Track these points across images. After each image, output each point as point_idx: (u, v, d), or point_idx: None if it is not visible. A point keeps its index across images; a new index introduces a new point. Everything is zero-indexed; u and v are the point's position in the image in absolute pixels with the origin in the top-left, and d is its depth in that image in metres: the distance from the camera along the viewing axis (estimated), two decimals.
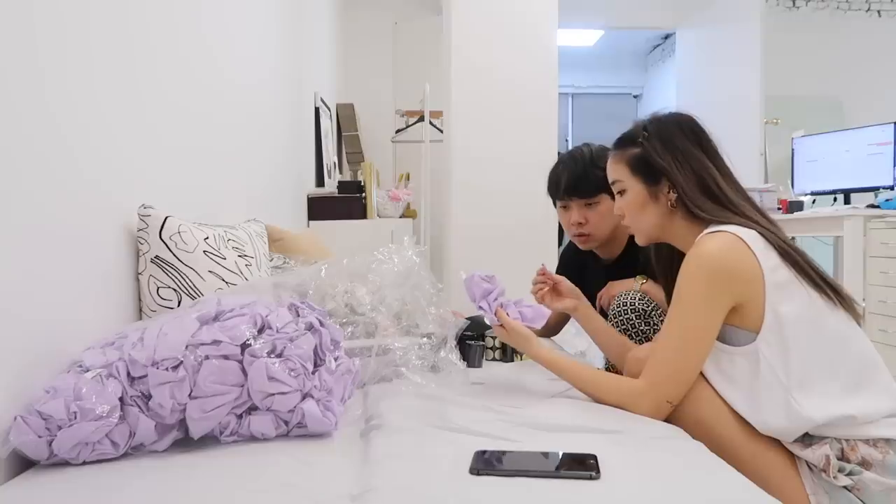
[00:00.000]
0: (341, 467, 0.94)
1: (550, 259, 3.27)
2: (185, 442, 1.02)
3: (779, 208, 3.84)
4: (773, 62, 4.76)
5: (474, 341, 1.64)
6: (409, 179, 4.11)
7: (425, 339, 1.47)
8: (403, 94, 5.08)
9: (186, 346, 1.00)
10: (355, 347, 1.38)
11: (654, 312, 1.69)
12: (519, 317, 1.36)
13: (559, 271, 2.09)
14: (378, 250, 1.61)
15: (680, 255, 1.30)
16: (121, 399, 0.97)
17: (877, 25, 5.29)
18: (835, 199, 3.88)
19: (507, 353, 1.72)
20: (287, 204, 2.94)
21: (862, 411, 1.07)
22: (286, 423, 1.04)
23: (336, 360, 1.14)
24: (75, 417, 0.92)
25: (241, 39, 2.23)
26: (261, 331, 1.07)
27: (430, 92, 3.97)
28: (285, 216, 2.81)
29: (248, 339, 1.04)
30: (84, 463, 0.94)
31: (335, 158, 4.26)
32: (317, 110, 3.70)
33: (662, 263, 1.39)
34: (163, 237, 1.33)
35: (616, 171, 1.34)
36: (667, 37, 7.01)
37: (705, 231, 1.20)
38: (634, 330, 1.69)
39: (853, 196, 3.78)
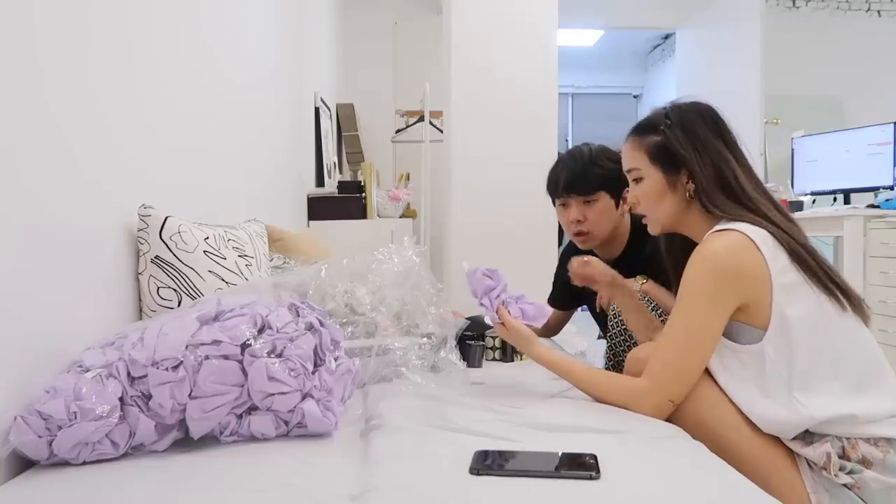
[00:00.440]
0: (341, 467, 0.94)
1: (550, 259, 3.27)
2: (185, 442, 1.02)
3: None
4: (773, 62, 4.76)
5: (474, 341, 1.64)
6: (409, 179, 4.11)
7: (425, 339, 1.47)
8: (403, 94, 5.08)
9: (186, 346, 1.00)
10: (355, 347, 1.38)
11: (653, 312, 1.69)
12: (520, 314, 1.35)
13: (559, 271, 2.09)
14: (378, 250, 1.61)
15: (692, 247, 1.30)
16: (121, 399, 0.97)
17: (877, 25, 5.29)
18: (835, 199, 3.88)
19: (507, 353, 1.73)
20: (287, 204, 2.94)
21: (864, 411, 1.07)
22: (286, 423, 1.04)
23: (336, 360, 1.14)
24: (75, 417, 0.92)
25: (241, 39, 2.23)
26: (261, 331, 1.08)
27: (430, 92, 3.97)
28: (285, 216, 2.81)
29: (248, 339, 1.04)
30: (84, 463, 0.94)
31: (335, 158, 4.26)
32: (317, 110, 3.70)
33: (673, 254, 1.37)
34: (163, 237, 1.33)
35: (634, 158, 1.31)
36: (667, 37, 7.01)
37: (715, 228, 1.18)
38: None
39: (853, 196, 3.78)
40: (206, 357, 1.00)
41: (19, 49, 0.98)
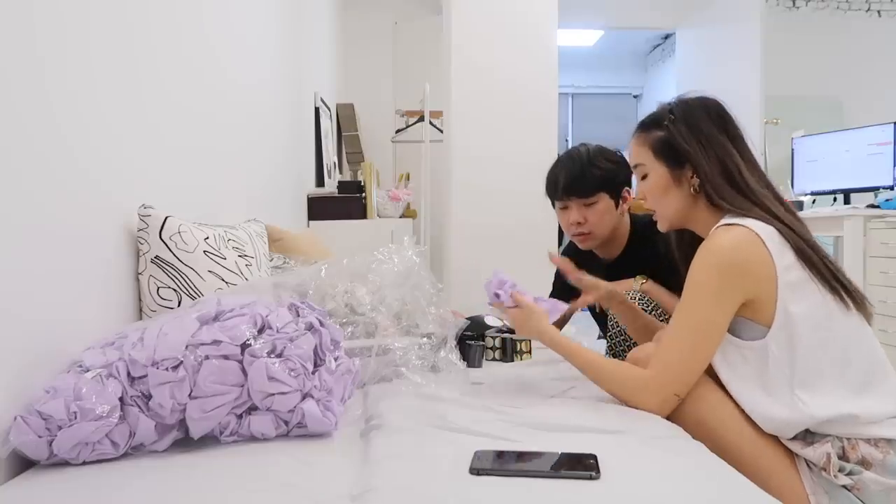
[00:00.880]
0: (341, 467, 0.94)
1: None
2: (185, 442, 1.02)
3: None
4: (773, 62, 4.76)
5: (474, 341, 1.64)
6: (409, 179, 4.11)
7: (425, 339, 1.47)
8: (403, 94, 5.08)
9: (186, 346, 1.00)
10: (355, 347, 1.38)
11: (654, 312, 1.69)
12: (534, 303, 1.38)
13: (559, 272, 2.09)
14: (378, 250, 1.61)
15: (700, 239, 1.29)
16: (121, 399, 0.97)
17: (877, 25, 5.29)
18: (835, 199, 3.88)
19: (507, 353, 1.73)
20: (287, 204, 2.94)
21: (865, 411, 1.07)
22: (286, 423, 1.04)
23: (336, 360, 1.14)
24: (75, 417, 0.92)
25: (241, 40, 2.23)
26: (261, 331, 1.07)
27: (430, 92, 3.97)
28: (285, 216, 2.81)
29: (248, 339, 1.04)
30: (84, 463, 0.94)
31: (335, 158, 4.26)
32: (317, 110, 3.70)
33: (683, 250, 1.36)
34: (163, 237, 1.33)
35: (639, 153, 1.31)
36: (667, 37, 7.01)
37: (721, 222, 1.18)
38: None
39: (853, 196, 3.78)
40: (206, 357, 1.00)
41: (19, 49, 0.98)
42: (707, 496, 0.85)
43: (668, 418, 1.16)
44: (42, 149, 1.04)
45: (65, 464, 0.93)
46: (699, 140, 1.22)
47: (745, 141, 1.25)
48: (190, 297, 1.33)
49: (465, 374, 1.43)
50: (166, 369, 0.98)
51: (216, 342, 1.01)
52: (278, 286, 1.42)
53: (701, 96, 1.28)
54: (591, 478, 0.86)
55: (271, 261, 1.85)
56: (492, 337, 1.72)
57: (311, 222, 3.34)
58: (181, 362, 0.99)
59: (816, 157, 3.95)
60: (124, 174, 1.33)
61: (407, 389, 1.30)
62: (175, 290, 1.33)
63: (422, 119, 4.07)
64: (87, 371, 0.98)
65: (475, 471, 0.88)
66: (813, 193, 3.95)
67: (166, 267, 1.33)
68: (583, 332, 2.37)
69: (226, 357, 1.01)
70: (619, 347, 1.78)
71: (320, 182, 3.72)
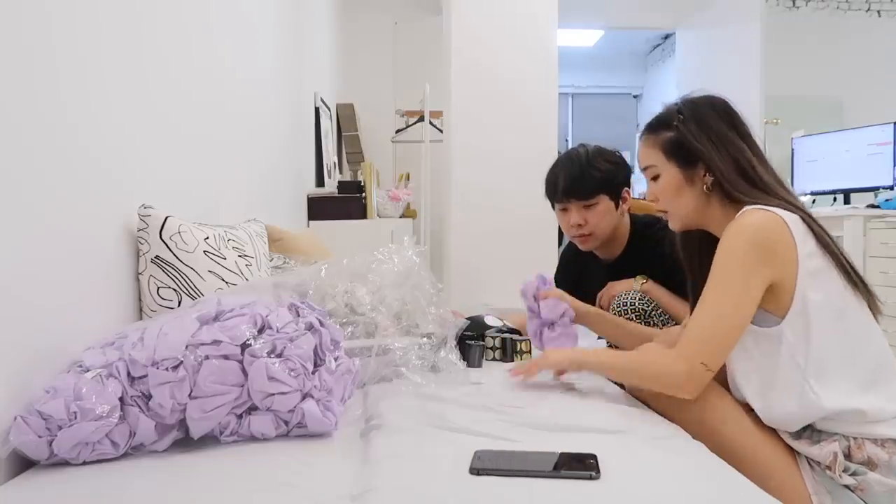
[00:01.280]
0: (341, 467, 0.94)
1: (550, 259, 3.27)
2: (185, 442, 1.02)
3: None
4: (773, 62, 4.76)
5: (474, 341, 1.64)
6: (409, 179, 4.11)
7: (425, 339, 1.47)
8: (403, 94, 5.08)
9: (186, 346, 1.00)
10: (355, 347, 1.38)
11: (654, 312, 1.69)
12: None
13: (559, 271, 2.09)
14: (378, 250, 1.61)
15: (707, 241, 1.29)
16: (121, 399, 0.97)
17: (877, 25, 5.29)
18: (835, 199, 3.88)
19: (507, 353, 1.72)
20: (287, 204, 2.94)
21: (873, 408, 1.07)
22: (286, 423, 1.04)
23: (336, 360, 1.14)
24: (75, 417, 0.92)
25: (241, 40, 2.23)
26: (261, 331, 1.08)
27: (430, 92, 3.97)
28: (285, 216, 2.81)
29: (248, 339, 1.04)
30: (84, 463, 0.94)
31: (335, 158, 4.26)
32: (317, 110, 3.70)
33: (689, 251, 1.36)
34: (163, 237, 1.33)
35: (649, 155, 1.30)
36: (667, 37, 7.01)
37: (747, 207, 1.16)
38: None
39: (853, 196, 3.78)
40: (206, 357, 1.00)
41: (20, 50, 0.98)
42: (707, 496, 0.85)
43: (668, 418, 1.16)
44: (42, 149, 1.04)
45: (65, 464, 0.93)
46: (710, 138, 1.22)
47: (754, 137, 1.25)
48: (190, 297, 1.33)
49: (465, 374, 1.42)
50: (166, 369, 0.98)
51: (216, 342, 1.01)
52: (278, 286, 1.42)
53: (707, 94, 1.28)
54: (591, 478, 0.86)
55: (271, 261, 1.85)
56: (492, 337, 1.72)
57: (311, 222, 3.34)
58: (181, 362, 0.99)
59: (816, 157, 3.95)
60: (124, 174, 1.33)
61: (407, 389, 1.30)
62: (175, 290, 1.33)
63: (422, 119, 4.07)
64: (87, 371, 0.98)
65: (475, 471, 0.88)
66: (813, 193, 3.95)
67: (166, 267, 1.33)
68: (583, 332, 2.37)
69: (226, 357, 1.01)
70: (619, 347, 1.78)
71: (320, 182, 3.72)
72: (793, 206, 1.16)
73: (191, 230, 1.39)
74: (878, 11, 5.30)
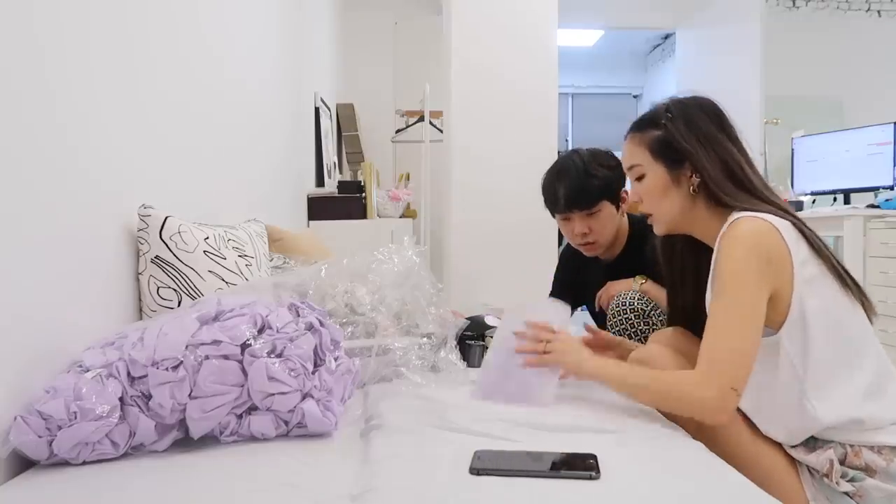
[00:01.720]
0: (341, 467, 0.94)
1: (550, 259, 3.27)
2: (185, 442, 1.02)
3: None
4: (773, 62, 4.75)
5: (474, 341, 1.64)
6: (409, 179, 4.11)
7: (425, 339, 1.47)
8: (403, 94, 5.08)
9: (186, 346, 1.00)
10: (355, 347, 1.38)
11: (653, 312, 1.69)
12: None
13: (559, 271, 2.09)
14: (378, 250, 1.61)
15: (689, 247, 1.27)
16: (121, 399, 0.97)
17: (877, 25, 5.29)
18: (835, 199, 3.88)
19: None
20: (287, 204, 2.94)
21: (871, 416, 1.06)
22: (286, 423, 1.04)
23: (336, 360, 1.14)
24: (75, 417, 0.92)
25: (241, 40, 2.23)
26: (261, 331, 1.08)
27: (430, 92, 3.97)
28: (285, 216, 2.81)
29: (248, 339, 1.04)
30: (84, 463, 0.94)
31: (335, 158, 4.26)
32: (317, 110, 3.70)
33: (673, 258, 1.34)
34: (163, 237, 1.33)
35: (635, 154, 1.26)
36: (667, 37, 7.01)
37: (736, 215, 1.13)
38: (633, 330, 1.69)
39: (853, 196, 3.78)
40: (206, 357, 1.00)
41: (20, 50, 0.98)
42: (707, 496, 0.85)
43: (669, 418, 1.16)
44: (42, 149, 1.04)
45: (65, 464, 0.94)
46: (698, 138, 1.18)
47: (742, 140, 1.22)
48: (190, 297, 1.33)
49: (465, 374, 1.42)
50: (166, 369, 0.98)
51: (216, 342, 1.01)
52: (278, 286, 1.42)
53: (695, 95, 1.25)
54: (591, 478, 0.86)
55: (271, 261, 1.85)
56: (492, 337, 1.72)
57: (311, 222, 3.34)
58: (181, 362, 0.99)
59: (816, 157, 3.95)
60: (124, 174, 1.33)
61: (407, 389, 1.30)
62: (175, 290, 1.33)
63: (422, 119, 4.07)
64: (87, 371, 0.98)
65: (475, 471, 0.88)
66: (813, 193, 3.95)
67: (166, 267, 1.33)
68: (583, 332, 2.37)
69: (226, 357, 1.01)
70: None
71: (320, 182, 3.72)
72: (782, 210, 1.14)
73: (191, 230, 1.39)
74: (878, 11, 5.30)
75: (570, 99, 7.92)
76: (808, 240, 1.11)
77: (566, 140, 7.71)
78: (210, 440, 1.02)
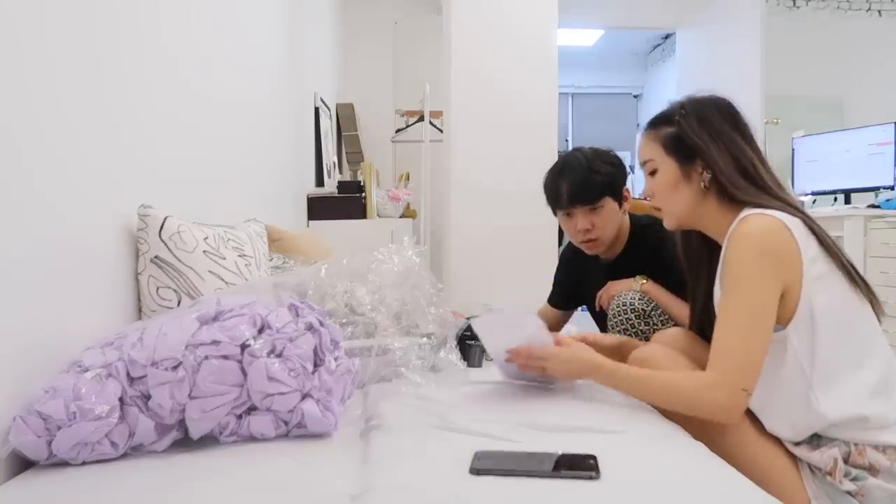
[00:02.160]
0: (341, 467, 0.93)
1: (550, 259, 3.27)
2: (185, 442, 1.02)
3: None
4: (773, 62, 4.75)
5: (474, 341, 1.64)
6: (409, 179, 4.11)
7: (425, 339, 1.47)
8: (403, 94, 5.08)
9: (186, 346, 1.00)
10: (355, 347, 1.38)
11: (653, 312, 1.69)
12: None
13: (559, 271, 2.09)
14: (378, 250, 1.61)
15: (708, 247, 1.27)
16: (120, 399, 0.96)
17: (877, 25, 5.29)
18: (835, 199, 3.88)
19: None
20: (287, 204, 2.94)
21: (877, 414, 1.06)
22: (286, 423, 1.04)
23: (336, 360, 1.14)
24: (75, 417, 0.92)
25: (241, 39, 2.23)
26: (260, 331, 1.07)
27: (430, 92, 3.96)
28: (285, 216, 2.81)
29: (247, 339, 1.04)
30: (83, 463, 0.94)
31: (335, 158, 4.25)
32: (317, 110, 3.70)
33: (688, 254, 1.34)
34: (162, 237, 1.33)
35: (649, 150, 1.28)
36: (667, 37, 7.01)
37: (746, 212, 1.14)
38: (634, 330, 1.69)
39: (853, 196, 3.78)
40: (206, 357, 1.00)
41: (23, 50, 0.98)
42: (707, 496, 0.85)
43: (669, 418, 1.15)
44: (42, 148, 1.04)
45: (64, 464, 0.93)
46: (710, 134, 1.20)
47: (755, 140, 1.23)
48: (189, 297, 1.33)
49: (465, 374, 1.42)
50: (166, 369, 0.98)
51: (216, 342, 1.01)
52: (278, 286, 1.41)
53: (712, 95, 1.27)
54: (591, 478, 0.86)
55: (271, 261, 1.85)
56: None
57: (311, 222, 3.34)
58: (181, 362, 0.99)
59: (816, 157, 3.95)
60: (124, 174, 1.33)
61: (407, 389, 1.30)
62: (175, 290, 1.33)
63: (422, 119, 4.07)
64: (87, 371, 0.98)
65: (475, 471, 0.88)
66: (813, 193, 3.95)
67: (166, 267, 1.33)
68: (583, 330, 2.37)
69: (225, 357, 1.01)
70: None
71: (320, 182, 3.72)
72: (793, 207, 1.14)
73: (190, 230, 1.39)
74: (879, 11, 5.30)
75: (570, 99, 7.92)
76: (818, 237, 1.12)
77: (566, 140, 7.71)
78: (210, 440, 1.02)
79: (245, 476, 0.90)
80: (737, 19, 5.04)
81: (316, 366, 1.10)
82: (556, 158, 1.89)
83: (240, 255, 1.52)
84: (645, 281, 1.73)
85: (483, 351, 1.67)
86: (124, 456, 0.97)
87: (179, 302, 1.33)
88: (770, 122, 4.66)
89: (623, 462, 0.91)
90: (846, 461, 1.06)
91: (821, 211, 3.57)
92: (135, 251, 1.35)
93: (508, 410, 1.18)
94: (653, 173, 1.28)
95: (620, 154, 1.87)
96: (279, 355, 1.05)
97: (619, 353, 1.41)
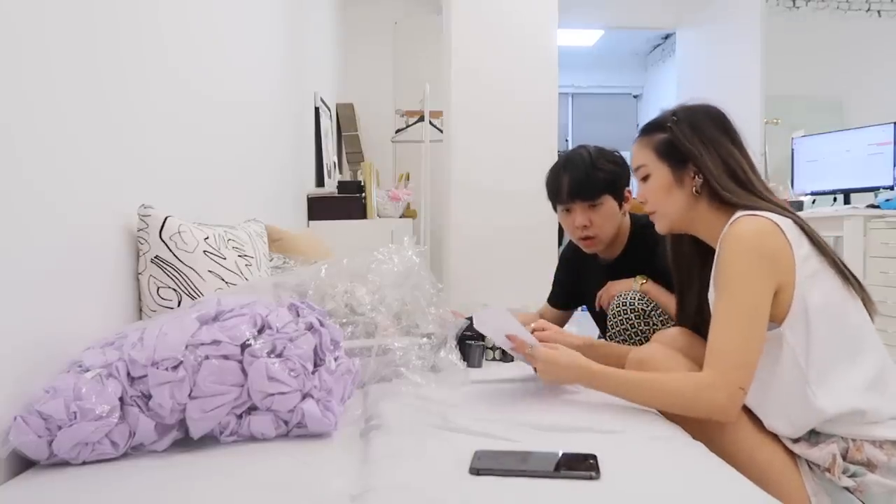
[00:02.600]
0: (341, 467, 0.94)
1: (550, 259, 3.27)
2: (185, 442, 1.02)
3: None
4: (773, 62, 4.75)
5: (474, 341, 1.64)
6: (409, 179, 4.11)
7: (425, 339, 1.47)
8: (403, 94, 5.08)
9: (186, 346, 1.00)
10: (355, 347, 1.38)
11: (653, 312, 1.69)
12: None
13: (559, 271, 2.09)
14: (378, 250, 1.61)
15: (701, 248, 1.28)
16: (121, 399, 0.97)
17: (877, 25, 5.28)
18: (835, 199, 3.88)
19: (507, 354, 1.72)
20: (287, 204, 2.94)
21: (873, 408, 1.07)
22: (286, 423, 1.04)
23: (336, 360, 1.14)
24: (75, 417, 0.92)
25: (241, 39, 2.23)
26: (261, 331, 1.07)
27: (430, 92, 3.96)
28: (285, 216, 2.81)
29: (248, 339, 1.04)
30: (84, 463, 0.94)
31: (335, 158, 4.26)
32: (317, 110, 3.70)
33: (678, 258, 1.36)
34: (163, 237, 1.33)
35: (641, 155, 1.31)
36: (667, 37, 7.01)
37: (738, 215, 1.15)
38: (634, 330, 1.69)
39: (853, 196, 3.78)
40: (206, 357, 1.00)
41: (23, 50, 0.98)
42: (707, 496, 0.85)
43: (669, 418, 1.16)
44: (42, 149, 1.04)
45: (65, 464, 0.93)
46: (701, 140, 1.23)
47: (746, 148, 1.26)
48: (190, 297, 1.33)
49: (465, 374, 1.42)
50: (166, 369, 0.98)
51: (216, 342, 1.01)
52: (278, 286, 1.42)
53: (703, 103, 1.29)
54: (591, 478, 0.86)
55: (271, 261, 1.85)
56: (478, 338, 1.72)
57: (311, 222, 3.34)
58: (181, 362, 0.99)
59: (816, 157, 3.95)
60: (124, 174, 1.33)
61: (407, 389, 1.30)
62: (175, 290, 1.33)
63: (422, 119, 4.07)
64: (87, 371, 0.98)
65: (475, 471, 0.88)
66: (813, 193, 3.95)
67: (166, 267, 1.33)
68: (583, 332, 2.37)
69: (226, 357, 1.01)
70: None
71: (320, 182, 3.72)
72: (783, 209, 1.16)
73: (190, 230, 1.39)
74: (878, 11, 5.29)
75: (570, 99, 7.92)
76: (809, 236, 1.14)
77: (566, 140, 7.71)
78: (210, 440, 1.02)
79: (245, 476, 0.91)
80: (737, 19, 5.04)
81: (316, 366, 1.10)
82: (556, 158, 1.89)
83: (240, 256, 1.52)
84: (645, 281, 1.73)
85: (483, 351, 1.67)
86: (125, 456, 0.97)
87: (180, 302, 1.33)
88: (770, 122, 4.66)
89: (623, 462, 0.92)
90: (844, 457, 1.07)
91: (820, 211, 3.57)
92: (135, 251, 1.35)
93: (508, 410, 1.18)
94: (645, 179, 1.30)
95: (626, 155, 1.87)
96: (279, 355, 1.05)
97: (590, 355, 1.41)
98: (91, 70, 1.19)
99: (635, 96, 8.05)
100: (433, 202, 3.86)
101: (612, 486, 0.85)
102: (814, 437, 1.11)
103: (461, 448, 0.95)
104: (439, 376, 1.39)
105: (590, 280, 1.91)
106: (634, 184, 1.48)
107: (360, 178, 3.85)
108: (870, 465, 1.05)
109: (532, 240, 3.35)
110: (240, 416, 1.03)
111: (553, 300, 2.09)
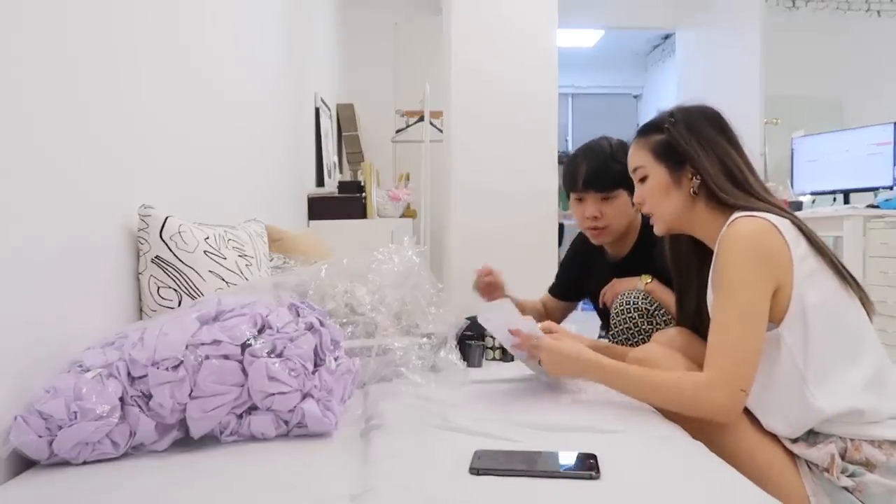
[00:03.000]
0: (341, 467, 0.94)
1: (550, 259, 3.28)
2: (185, 442, 1.02)
3: None
4: (773, 62, 4.76)
5: (474, 341, 1.64)
6: (409, 179, 4.10)
7: (425, 339, 1.47)
8: (403, 94, 5.08)
9: (186, 346, 1.00)
10: (355, 347, 1.38)
11: (657, 312, 1.68)
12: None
13: (565, 261, 2.08)
14: (378, 250, 1.61)
15: (699, 249, 1.29)
16: (121, 399, 0.97)
17: (877, 25, 5.29)
18: (834, 199, 3.88)
19: (508, 353, 1.72)
20: (287, 204, 2.94)
21: (871, 408, 1.07)
22: (286, 422, 1.04)
23: (336, 360, 1.14)
24: (75, 417, 0.92)
25: (241, 40, 2.23)
26: (261, 331, 1.08)
27: (430, 92, 3.96)
28: (285, 216, 2.81)
29: (248, 339, 1.04)
30: (84, 463, 0.94)
31: (335, 158, 4.26)
32: (317, 110, 3.70)
33: (676, 259, 1.36)
34: (163, 237, 1.33)
35: (639, 157, 1.31)
36: (667, 37, 7.01)
37: (736, 215, 1.16)
38: (637, 329, 1.69)
39: (853, 196, 3.78)
40: (207, 357, 1.00)
41: (22, 50, 0.98)
42: (707, 496, 0.85)
43: (669, 418, 1.16)
44: (42, 149, 1.04)
45: (65, 464, 0.94)
46: (699, 140, 1.23)
47: (743, 148, 1.26)
48: (190, 297, 1.33)
49: (465, 374, 1.43)
50: (166, 369, 0.98)
51: (216, 342, 1.02)
52: (278, 286, 1.42)
53: (700, 104, 1.29)
54: (591, 478, 0.86)
55: (271, 261, 1.85)
56: (492, 337, 1.72)
57: (311, 222, 3.34)
58: (181, 362, 0.99)
59: (816, 157, 3.95)
60: (124, 174, 1.33)
61: (407, 389, 1.30)
62: (175, 289, 1.33)
63: (422, 119, 4.07)
64: (88, 371, 0.98)
65: (475, 471, 0.88)
66: (813, 193, 3.95)
67: (166, 267, 1.33)
68: (583, 332, 2.37)
69: (226, 357, 1.02)
70: (622, 346, 1.77)
71: (320, 182, 3.72)
72: (780, 209, 1.17)
73: (191, 230, 1.39)
74: (878, 11, 5.30)
75: (570, 99, 7.91)
76: (807, 236, 1.14)
77: (566, 140, 7.71)
78: (210, 440, 1.02)
79: (245, 476, 0.91)
80: (736, 20, 5.04)
81: (316, 366, 1.10)
82: (555, 159, 1.88)
83: (240, 255, 1.52)
84: (650, 280, 1.73)
85: (483, 351, 1.67)
86: (125, 455, 0.97)
87: (180, 302, 1.33)
88: (770, 123, 4.66)
89: (623, 462, 0.92)
90: (843, 457, 1.07)
91: (820, 211, 3.57)
92: (135, 251, 1.35)
93: (508, 410, 1.18)
94: (643, 180, 1.31)
95: None
96: (280, 355, 1.05)
97: None
98: (91, 70, 1.19)
99: (635, 96, 8.06)
100: (433, 202, 3.86)
101: (612, 485, 0.85)
102: (812, 437, 1.11)
103: (461, 448, 0.95)
104: (439, 376, 1.39)
105: (596, 276, 1.91)
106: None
107: (360, 178, 3.85)
108: (868, 465, 1.05)
109: (532, 240, 3.35)
110: (240, 416, 1.03)
111: (554, 290, 2.09)
